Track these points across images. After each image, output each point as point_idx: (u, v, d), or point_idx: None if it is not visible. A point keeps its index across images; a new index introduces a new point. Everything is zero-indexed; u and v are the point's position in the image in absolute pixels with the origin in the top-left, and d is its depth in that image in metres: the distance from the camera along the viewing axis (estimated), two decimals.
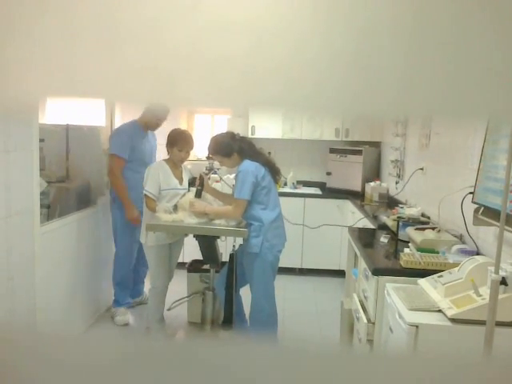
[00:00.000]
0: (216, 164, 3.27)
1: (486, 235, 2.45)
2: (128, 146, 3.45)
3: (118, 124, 3.89)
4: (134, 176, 3.45)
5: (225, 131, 3.25)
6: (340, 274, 4.73)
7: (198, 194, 3.06)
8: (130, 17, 0.50)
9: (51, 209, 3.01)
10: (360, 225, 3.84)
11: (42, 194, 2.84)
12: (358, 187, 5.08)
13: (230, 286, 3.06)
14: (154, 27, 0.50)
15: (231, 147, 2.95)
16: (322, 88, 0.49)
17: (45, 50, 0.53)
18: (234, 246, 3.06)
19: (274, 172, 3.05)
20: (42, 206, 2.82)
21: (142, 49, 0.51)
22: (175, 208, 3.07)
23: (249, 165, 2.90)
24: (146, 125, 3.59)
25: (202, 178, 3.10)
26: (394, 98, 0.48)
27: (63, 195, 3.27)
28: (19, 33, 0.52)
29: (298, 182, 5.37)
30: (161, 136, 4.84)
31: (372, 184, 4.77)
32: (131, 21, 0.50)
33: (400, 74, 0.47)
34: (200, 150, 5.42)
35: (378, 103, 0.48)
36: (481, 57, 0.45)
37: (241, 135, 3.10)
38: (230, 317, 3.11)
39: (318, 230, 4.64)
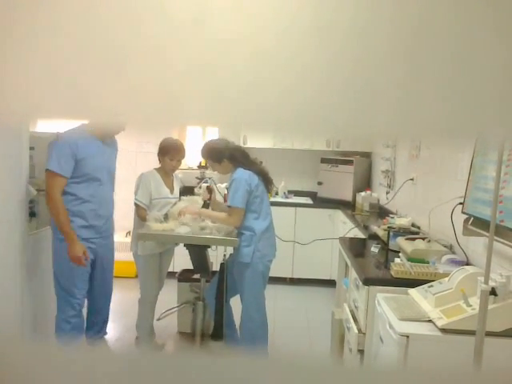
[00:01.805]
0: (208, 173, 3.27)
1: (476, 245, 2.46)
2: (71, 160, 2.61)
3: None
4: (81, 196, 2.70)
5: (218, 137, 3.25)
6: (331, 283, 4.72)
7: (206, 206, 3.06)
8: (132, 36, 0.50)
9: (40, 217, 2.98)
10: (351, 234, 3.85)
11: (31, 202, 2.81)
12: (348, 197, 5.10)
13: (220, 296, 3.05)
14: (156, 46, 0.50)
15: (222, 153, 2.95)
16: (316, 106, 0.49)
17: (45, 68, 0.52)
18: (224, 255, 3.05)
19: (267, 181, 3.05)
20: (31, 214, 2.80)
21: (143, 67, 0.51)
22: (166, 217, 3.06)
23: (242, 173, 2.90)
24: (101, 131, 2.75)
25: (211, 191, 3.10)
26: (387, 119, 0.48)
27: None
28: (19, 49, 0.52)
29: (290, 192, 5.38)
30: (151, 145, 4.83)
31: (363, 194, 4.79)
32: (133, 40, 0.50)
33: (394, 93, 0.47)
34: (191, 159, 5.42)
35: (370, 125, 0.48)
36: (473, 79, 0.46)
37: (235, 143, 3.11)
38: (220, 327, 3.09)
39: (309, 240, 4.65)
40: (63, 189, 2.65)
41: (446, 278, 2.05)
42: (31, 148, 2.76)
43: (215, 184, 4.01)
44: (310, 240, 4.65)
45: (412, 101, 0.47)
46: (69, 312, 2.75)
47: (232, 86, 0.50)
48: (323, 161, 5.32)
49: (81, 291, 2.79)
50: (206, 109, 0.51)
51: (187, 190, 3.52)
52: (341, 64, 0.48)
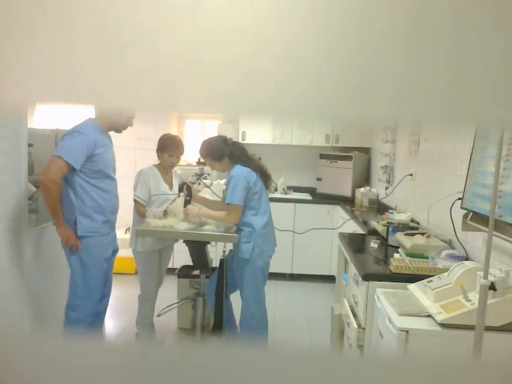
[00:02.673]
0: (206, 169, 3.26)
1: (475, 240, 2.47)
2: (84, 154, 2.56)
3: None
4: (91, 191, 2.66)
5: (216, 135, 3.24)
6: (330, 279, 4.74)
7: (186, 205, 3.04)
8: (127, 23, 0.50)
9: (40, 214, 2.98)
10: (350, 230, 3.85)
11: (30, 198, 2.81)
12: (348, 193, 5.10)
13: (220, 292, 3.05)
14: (151, 33, 0.50)
15: (222, 151, 2.94)
16: (314, 94, 0.49)
17: (40, 54, 0.52)
18: (224, 251, 3.05)
19: (266, 178, 3.05)
20: (30, 210, 2.80)
21: (139, 55, 0.51)
22: (165, 213, 3.06)
23: (241, 170, 2.90)
24: (110, 126, 2.75)
25: (189, 188, 3.08)
26: (386, 105, 0.48)
27: None
28: (16, 36, 0.52)
29: (289, 188, 5.38)
30: (150, 142, 4.83)
31: (362, 189, 4.79)
32: (128, 27, 0.50)
33: (392, 80, 0.47)
34: (190, 155, 5.42)
35: (369, 110, 0.48)
36: (473, 64, 0.46)
37: (233, 140, 3.10)
38: (220, 323, 3.10)
39: (309, 236, 4.65)
40: (63, 177, 2.58)
41: (446, 273, 2.06)
42: (30, 145, 2.75)
43: (210, 182, 4.01)
44: (308, 235, 4.65)
45: (411, 86, 0.47)
46: (85, 313, 2.73)
47: (228, 73, 0.50)
48: (322, 156, 5.32)
49: (98, 290, 2.79)
50: (202, 96, 0.51)
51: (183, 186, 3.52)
52: (339, 50, 0.48)
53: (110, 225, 2.82)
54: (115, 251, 2.93)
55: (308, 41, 0.48)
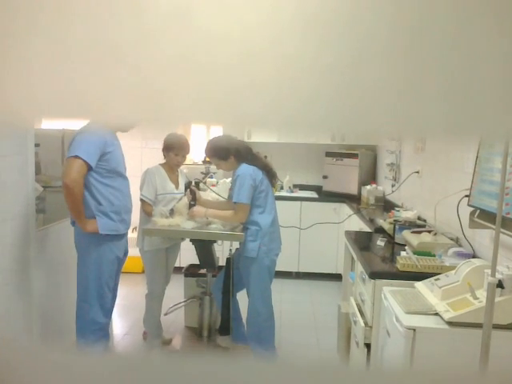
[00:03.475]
0: (212, 168, 3.26)
1: (482, 238, 2.46)
2: (98, 153, 2.55)
3: None
4: (105, 191, 2.64)
5: (222, 134, 3.24)
6: (337, 277, 4.73)
7: (191, 207, 3.04)
8: (119, 33, 0.50)
9: (47, 213, 3.00)
10: (356, 228, 3.85)
11: (37, 198, 2.83)
12: (354, 190, 5.09)
13: (226, 291, 3.06)
14: (143, 43, 0.50)
15: (228, 150, 2.94)
16: (313, 105, 0.49)
17: (32, 70, 0.53)
18: (230, 250, 3.05)
19: (271, 176, 3.05)
20: (37, 210, 2.81)
21: (131, 66, 0.51)
22: (171, 212, 3.07)
23: (246, 168, 2.90)
24: (116, 126, 2.69)
25: (193, 193, 3.08)
26: (388, 118, 0.48)
27: (59, 200, 3.26)
28: (11, 52, 0.52)
29: (295, 186, 5.38)
30: (156, 141, 4.85)
31: (368, 187, 4.78)
32: (121, 38, 0.50)
33: (392, 93, 0.47)
34: (196, 154, 5.42)
35: (370, 123, 0.48)
36: (475, 76, 0.45)
37: (238, 139, 3.10)
38: (227, 321, 3.10)
39: (315, 234, 4.65)
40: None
41: (453, 271, 2.05)
42: (36, 145, 2.77)
43: (216, 181, 4.01)
44: (315, 234, 4.65)
45: (414, 97, 0.47)
46: (98, 313, 2.72)
47: (224, 82, 0.50)
48: (328, 154, 5.31)
49: (110, 290, 2.78)
50: (193, 106, 0.51)
51: (188, 186, 3.53)
52: (342, 60, 0.48)
53: (126, 224, 2.80)
54: (126, 252, 2.92)
55: (311, 48, 0.48)
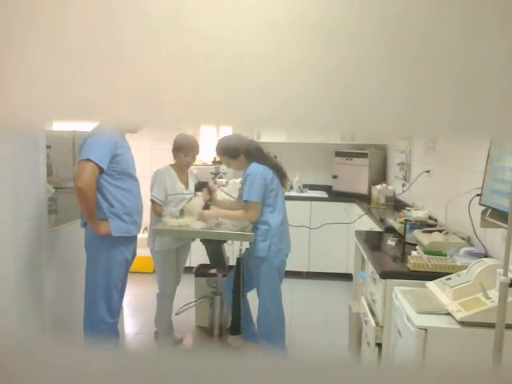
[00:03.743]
0: (222, 168, 3.27)
1: (494, 237, 2.44)
2: (109, 155, 2.56)
3: None
4: (117, 193, 2.65)
5: (232, 133, 3.25)
6: (347, 277, 4.71)
7: (207, 207, 3.06)
8: (115, 38, 0.51)
9: (59, 214, 3.02)
10: (367, 228, 3.83)
11: (49, 199, 2.85)
12: (364, 190, 5.07)
13: (237, 290, 3.06)
14: (139, 48, 0.50)
15: (238, 149, 2.95)
16: (322, 106, 0.49)
17: (31, 71, 0.53)
18: (240, 249, 3.06)
19: (281, 175, 3.05)
20: (49, 211, 2.84)
21: (128, 69, 0.51)
22: (182, 213, 3.08)
23: (257, 167, 2.90)
24: (125, 128, 2.67)
25: (211, 193, 3.11)
26: (398, 119, 0.48)
27: (71, 201, 3.29)
28: (12, 54, 0.53)
29: (304, 186, 5.37)
30: (166, 142, 4.87)
31: (378, 187, 4.76)
32: (117, 42, 0.51)
33: (401, 93, 0.47)
34: (206, 154, 5.43)
35: (379, 124, 0.48)
36: (483, 75, 0.45)
37: (248, 138, 3.11)
38: (237, 321, 3.11)
39: (325, 234, 4.64)
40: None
41: (464, 271, 2.03)
42: (47, 146, 2.79)
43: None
44: (325, 233, 4.63)
45: (422, 96, 0.47)
46: (106, 314, 2.73)
47: (235, 84, 0.50)
48: (338, 154, 5.29)
49: (118, 292, 2.79)
50: (200, 109, 0.51)
51: (202, 186, 3.54)
52: (350, 61, 0.48)
53: (137, 226, 2.80)
54: (134, 254, 2.93)
55: (318, 52, 0.48)
